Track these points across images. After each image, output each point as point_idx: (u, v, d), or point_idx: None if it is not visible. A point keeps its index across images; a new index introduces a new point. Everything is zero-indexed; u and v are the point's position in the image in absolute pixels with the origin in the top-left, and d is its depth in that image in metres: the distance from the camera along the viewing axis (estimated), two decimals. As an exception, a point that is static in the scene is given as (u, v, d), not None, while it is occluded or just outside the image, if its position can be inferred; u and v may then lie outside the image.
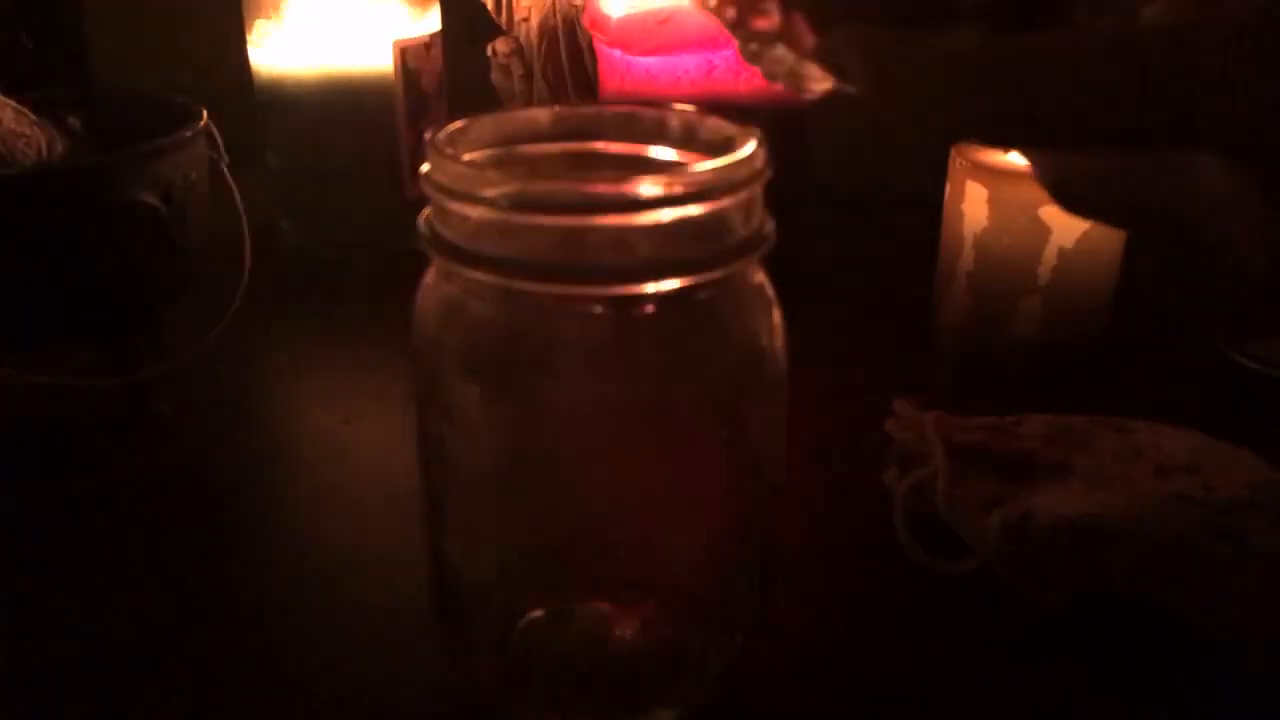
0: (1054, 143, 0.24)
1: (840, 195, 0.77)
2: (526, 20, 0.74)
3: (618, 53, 0.65)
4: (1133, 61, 0.21)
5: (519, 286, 0.29)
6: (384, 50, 0.67)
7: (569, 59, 0.73)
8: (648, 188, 0.28)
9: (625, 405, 0.32)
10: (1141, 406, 0.46)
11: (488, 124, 0.32)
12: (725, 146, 0.30)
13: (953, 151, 0.56)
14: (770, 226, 0.31)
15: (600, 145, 0.33)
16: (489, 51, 0.76)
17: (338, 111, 0.68)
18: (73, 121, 0.54)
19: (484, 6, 0.76)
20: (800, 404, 0.34)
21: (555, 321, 0.31)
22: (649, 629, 0.35)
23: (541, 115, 0.34)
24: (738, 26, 0.29)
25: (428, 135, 0.31)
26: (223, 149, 0.57)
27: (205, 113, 0.53)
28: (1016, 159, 0.53)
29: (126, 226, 0.49)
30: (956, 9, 0.23)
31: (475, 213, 0.29)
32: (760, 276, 0.32)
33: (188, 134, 0.51)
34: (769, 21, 0.27)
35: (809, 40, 0.27)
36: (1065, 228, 0.52)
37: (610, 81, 0.67)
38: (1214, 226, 0.23)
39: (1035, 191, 0.52)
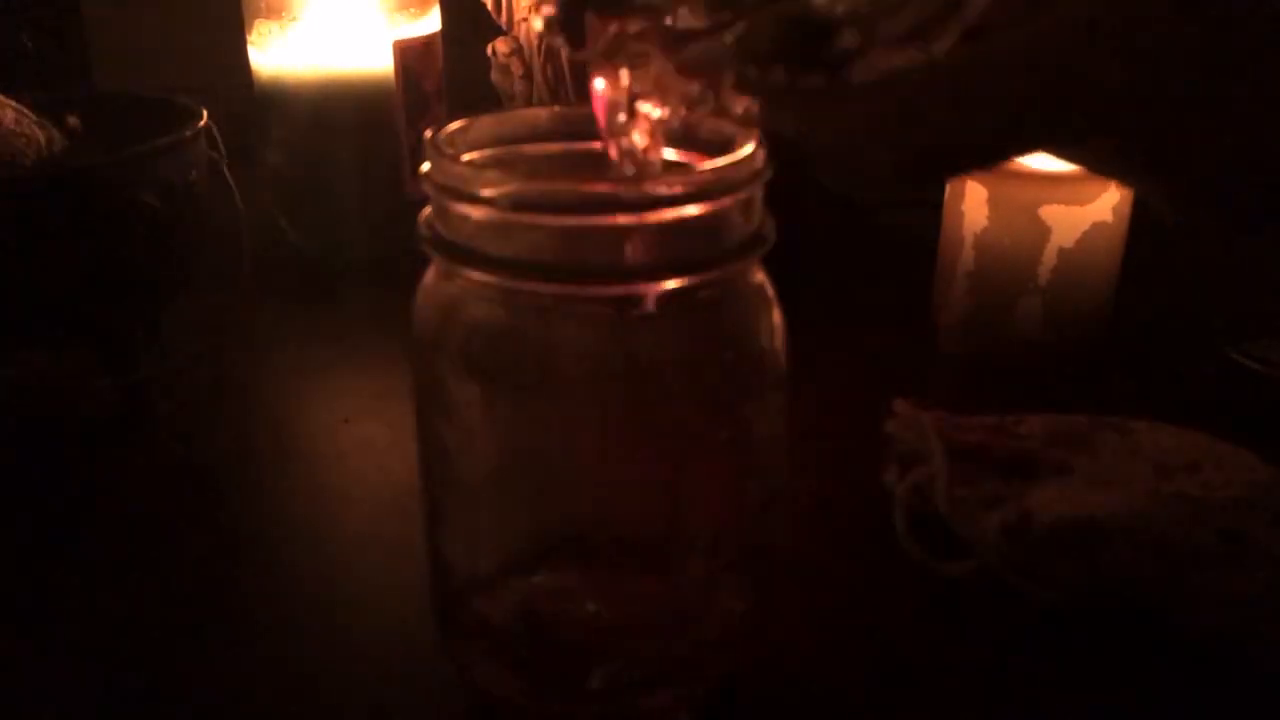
0: (972, 167, 0.25)
1: (840, 195, 0.77)
2: (526, 20, 0.74)
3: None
4: (999, 78, 0.22)
5: (519, 286, 0.29)
6: (384, 50, 0.67)
7: (569, 59, 0.73)
8: (647, 188, 0.28)
9: (625, 405, 0.32)
10: (1141, 406, 0.46)
11: (488, 124, 0.32)
12: (725, 146, 0.30)
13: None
14: (770, 226, 0.31)
15: (600, 145, 0.33)
16: (489, 51, 0.76)
17: (338, 111, 0.68)
18: (73, 121, 0.54)
19: (484, 6, 0.76)
20: (800, 404, 0.34)
21: (555, 321, 0.31)
22: (648, 627, 0.35)
23: (541, 115, 0.34)
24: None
25: (428, 135, 0.31)
26: (223, 149, 0.57)
27: (205, 113, 0.53)
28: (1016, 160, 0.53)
29: (126, 226, 0.49)
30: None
31: (475, 213, 0.29)
32: (760, 276, 0.32)
33: (188, 134, 0.51)
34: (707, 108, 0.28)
35: (742, 103, 0.27)
36: (1065, 228, 0.52)
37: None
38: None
39: (1035, 191, 0.52)
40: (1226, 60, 0.20)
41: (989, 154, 0.25)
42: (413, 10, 0.69)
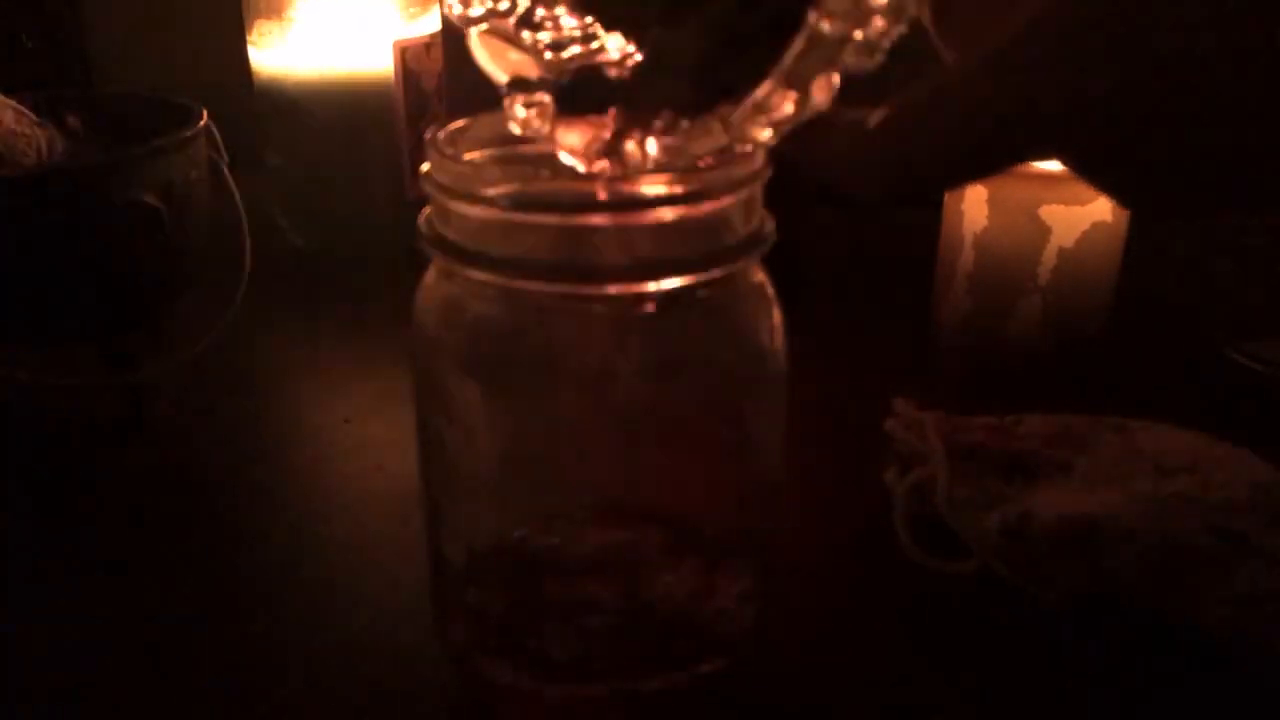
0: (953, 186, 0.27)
1: (840, 195, 0.77)
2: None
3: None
4: (952, 109, 0.24)
5: (519, 286, 0.29)
6: (384, 50, 0.67)
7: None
8: (648, 188, 0.28)
9: (625, 405, 0.32)
10: (1141, 406, 0.46)
11: (488, 124, 0.32)
12: (725, 146, 0.30)
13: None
14: (770, 226, 0.31)
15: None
16: (489, 51, 0.76)
17: (338, 112, 0.68)
18: (73, 121, 0.54)
19: (484, 6, 0.76)
20: (800, 404, 0.34)
21: (555, 321, 0.31)
22: (647, 624, 0.35)
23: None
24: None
25: (428, 135, 0.31)
26: (223, 149, 0.57)
27: (205, 113, 0.53)
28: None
29: (126, 226, 0.49)
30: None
31: (475, 212, 0.29)
32: (760, 276, 0.32)
33: (188, 134, 0.51)
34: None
35: None
36: (1065, 228, 0.52)
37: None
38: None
39: (1035, 191, 0.52)
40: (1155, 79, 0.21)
41: (967, 174, 0.26)
42: (413, 10, 0.69)
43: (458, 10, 0.28)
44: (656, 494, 0.36)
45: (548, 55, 0.28)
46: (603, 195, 0.28)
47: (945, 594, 0.40)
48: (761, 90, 0.26)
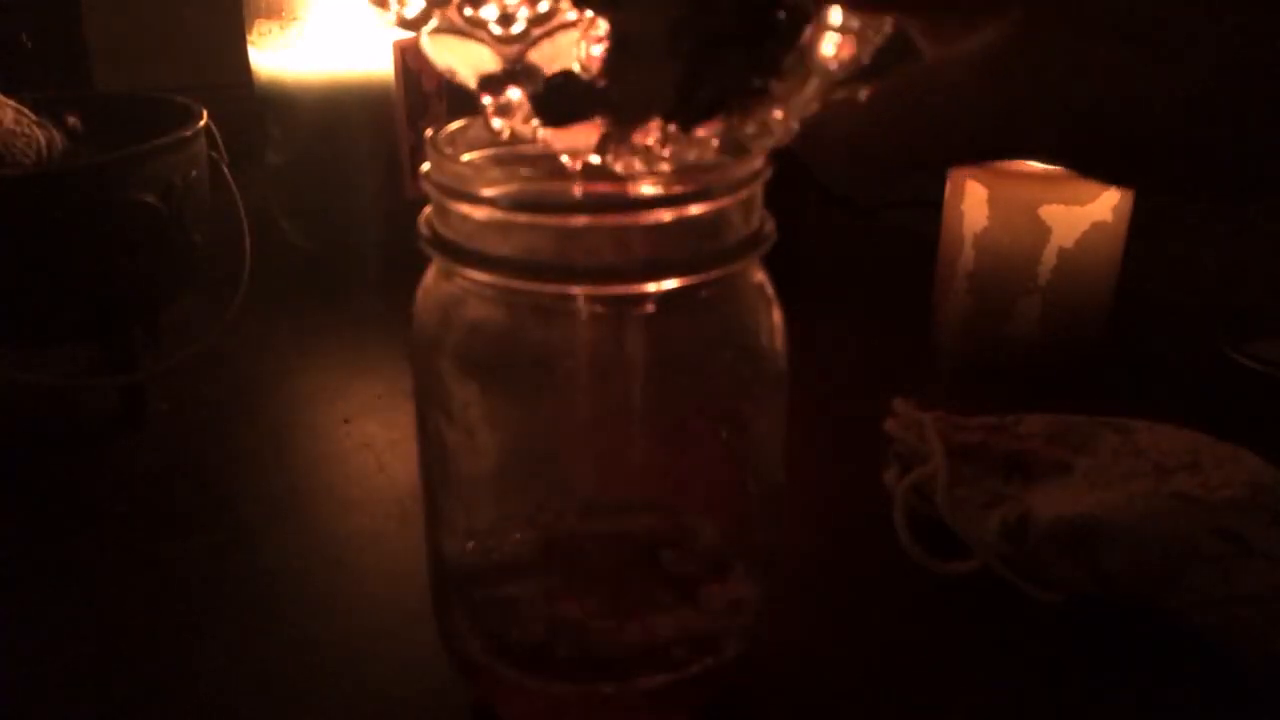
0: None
1: (840, 195, 0.78)
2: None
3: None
4: (932, 108, 0.24)
5: (519, 286, 0.29)
6: (384, 50, 0.67)
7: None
8: (648, 188, 0.28)
9: (625, 405, 0.32)
10: (1141, 406, 0.46)
11: (487, 124, 0.32)
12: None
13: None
14: (770, 226, 0.31)
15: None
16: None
17: (338, 111, 0.68)
18: (73, 121, 0.54)
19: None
20: (800, 404, 0.34)
21: (555, 321, 0.31)
22: (647, 624, 0.35)
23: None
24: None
25: (428, 135, 0.31)
26: (223, 149, 0.57)
27: (205, 113, 0.53)
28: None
29: (126, 226, 0.49)
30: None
31: (475, 212, 0.29)
32: (760, 276, 0.32)
33: (188, 134, 0.51)
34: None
35: None
36: (1065, 228, 0.52)
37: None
38: None
39: (1035, 191, 0.52)
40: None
41: (955, 161, 0.27)
42: (413, 10, 0.69)
43: (395, 11, 0.28)
44: (656, 493, 0.36)
45: (498, 30, 0.27)
46: (599, 192, 0.28)
47: (945, 594, 0.40)
48: (768, 145, 0.26)
